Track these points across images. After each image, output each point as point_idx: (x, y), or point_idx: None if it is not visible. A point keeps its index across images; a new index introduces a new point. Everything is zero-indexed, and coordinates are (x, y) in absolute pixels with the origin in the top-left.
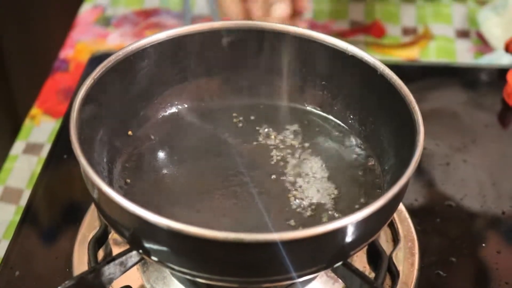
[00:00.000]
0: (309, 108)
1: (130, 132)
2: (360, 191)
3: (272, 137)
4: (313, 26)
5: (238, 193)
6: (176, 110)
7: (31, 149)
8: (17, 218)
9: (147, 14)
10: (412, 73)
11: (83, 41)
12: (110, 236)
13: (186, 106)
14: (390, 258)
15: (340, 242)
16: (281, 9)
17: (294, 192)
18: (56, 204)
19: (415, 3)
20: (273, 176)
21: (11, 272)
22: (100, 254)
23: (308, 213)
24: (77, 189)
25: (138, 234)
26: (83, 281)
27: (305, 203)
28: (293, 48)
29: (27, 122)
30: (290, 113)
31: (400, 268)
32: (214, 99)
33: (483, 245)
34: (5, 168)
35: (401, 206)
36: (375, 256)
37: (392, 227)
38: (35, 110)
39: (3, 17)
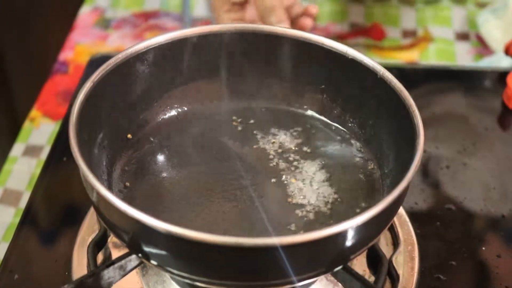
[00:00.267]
0: (308, 111)
1: (129, 135)
2: (360, 195)
3: (272, 140)
4: (312, 29)
5: (238, 197)
6: (176, 113)
7: (31, 151)
8: (17, 220)
9: (147, 16)
10: (412, 76)
11: (82, 43)
12: (109, 239)
13: (185, 109)
14: (390, 262)
15: (340, 246)
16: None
17: (294, 196)
18: (55, 207)
19: (415, 5)
20: (273, 180)
21: (10, 275)
22: (100, 257)
23: (308, 217)
24: (77, 191)
25: (137, 238)
26: (83, 285)
27: (305, 207)
28: (292, 51)
29: (26, 124)
30: (289, 117)
31: (400, 271)
32: (214, 102)
33: (483, 248)
34: (4, 170)
35: (401, 210)
36: (375, 260)
37: (392, 231)
38: (34, 112)
39: (2, 19)
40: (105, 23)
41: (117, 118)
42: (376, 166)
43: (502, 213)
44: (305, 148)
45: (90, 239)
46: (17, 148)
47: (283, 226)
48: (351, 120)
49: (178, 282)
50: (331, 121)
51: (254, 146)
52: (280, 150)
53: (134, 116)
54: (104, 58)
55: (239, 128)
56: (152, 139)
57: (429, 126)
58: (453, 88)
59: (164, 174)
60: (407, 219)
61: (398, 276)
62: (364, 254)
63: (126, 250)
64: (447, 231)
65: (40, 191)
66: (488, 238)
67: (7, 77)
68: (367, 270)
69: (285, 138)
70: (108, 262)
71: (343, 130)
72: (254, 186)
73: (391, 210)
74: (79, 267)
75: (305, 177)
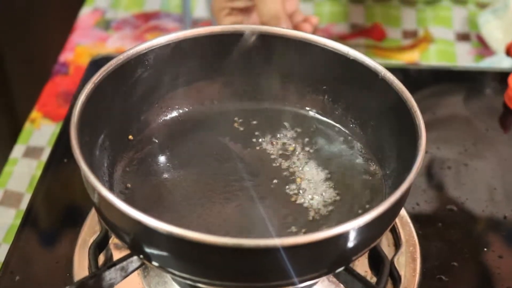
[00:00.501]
0: (310, 112)
1: (130, 137)
2: (361, 196)
3: (273, 141)
4: (314, 29)
5: (240, 198)
6: (177, 114)
7: (31, 152)
8: (17, 222)
9: (147, 17)
10: (413, 76)
11: (83, 45)
12: (110, 240)
13: (187, 110)
14: (392, 263)
15: (342, 248)
16: None
17: (296, 197)
18: (56, 208)
19: (415, 6)
20: (275, 181)
21: (11, 276)
22: (101, 258)
23: (310, 218)
24: (78, 193)
25: (138, 239)
26: (84, 286)
27: (307, 208)
28: (293, 52)
29: (27, 126)
30: (291, 118)
31: (402, 273)
32: (215, 103)
33: (485, 249)
34: (5, 171)
35: (403, 211)
36: (377, 261)
37: (394, 232)
38: (35, 114)
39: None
40: (105, 24)
41: (118, 119)
42: (377, 167)
43: (504, 214)
44: (306, 149)
45: (91, 241)
46: (18, 150)
47: (284, 227)
48: (352, 121)
49: (179, 283)
50: (332, 122)
51: (256, 147)
52: (281, 151)
53: (135, 117)
54: (105, 59)
55: (241, 129)
56: (153, 140)
57: (431, 127)
58: (454, 89)
59: (165, 175)
60: (409, 220)
61: (400, 277)
62: (366, 255)
63: (127, 252)
64: (449, 232)
65: (41, 193)
66: (490, 239)
67: (7, 78)
68: (369, 271)
69: (286, 139)
70: (110, 263)
71: (345, 131)
72: (255, 187)
73: (393, 211)
74: (80, 269)
75: (307, 178)
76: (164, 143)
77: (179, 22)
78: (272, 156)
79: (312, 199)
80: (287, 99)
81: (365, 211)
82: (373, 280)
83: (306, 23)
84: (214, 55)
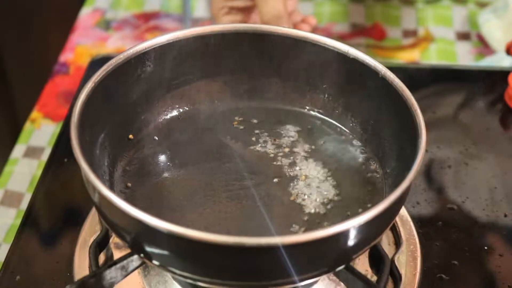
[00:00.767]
0: (310, 111)
1: (131, 136)
2: (362, 194)
3: (274, 140)
4: (313, 29)
5: (240, 196)
6: (177, 114)
7: (32, 152)
8: (18, 222)
9: (147, 17)
10: (413, 76)
11: (83, 45)
12: (111, 240)
13: (187, 109)
14: (392, 261)
15: (342, 246)
16: None
17: (296, 196)
18: (56, 208)
19: (415, 5)
20: (275, 180)
21: (11, 276)
22: (101, 258)
23: (310, 216)
24: (78, 192)
25: (139, 238)
26: (84, 285)
27: (307, 206)
28: (294, 51)
29: (27, 126)
30: (291, 117)
31: (402, 271)
32: (215, 102)
33: (486, 248)
34: (5, 171)
35: (403, 210)
36: (377, 259)
37: (394, 231)
38: (35, 114)
39: (3, 21)
40: (105, 24)
41: (118, 119)
42: (378, 166)
43: (504, 212)
44: (307, 148)
45: (91, 240)
46: (18, 150)
47: (285, 225)
48: (353, 119)
49: (180, 282)
50: (332, 120)
51: (256, 146)
52: (282, 150)
53: (136, 116)
54: (105, 59)
55: (241, 128)
56: (153, 140)
57: (431, 126)
58: (454, 88)
59: (166, 174)
60: (409, 219)
61: (400, 275)
62: (367, 253)
63: (128, 251)
64: (449, 230)
65: (41, 193)
66: (491, 238)
67: (7, 79)
68: (370, 270)
69: (287, 138)
70: (110, 262)
71: (345, 130)
72: (256, 186)
73: (393, 209)
74: (81, 268)
75: (307, 176)
76: (164, 142)
77: (179, 22)
78: (273, 155)
79: (312, 197)
80: (287, 98)
81: (366, 209)
82: (374, 278)
83: (305, 24)
84: (214, 54)
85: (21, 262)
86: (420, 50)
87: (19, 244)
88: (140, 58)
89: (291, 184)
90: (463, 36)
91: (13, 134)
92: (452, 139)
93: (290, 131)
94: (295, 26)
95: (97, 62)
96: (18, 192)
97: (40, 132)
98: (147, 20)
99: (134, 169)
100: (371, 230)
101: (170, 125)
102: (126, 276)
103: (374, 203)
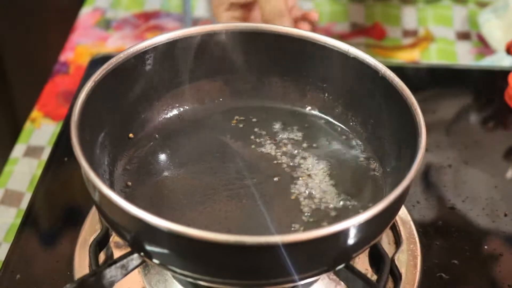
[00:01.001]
0: (310, 110)
1: (131, 135)
2: (362, 193)
3: (274, 139)
4: (314, 28)
5: (240, 195)
6: (177, 113)
7: (32, 152)
8: (18, 221)
9: (147, 16)
10: (413, 75)
11: (83, 44)
12: (111, 239)
13: (187, 108)
14: (392, 260)
15: (342, 245)
16: None
17: (296, 195)
18: (57, 207)
19: (415, 5)
20: (275, 179)
21: (12, 275)
22: (101, 257)
23: (310, 215)
24: (78, 192)
25: (139, 237)
26: (85, 284)
27: (307, 205)
28: (294, 50)
29: (27, 125)
30: (291, 116)
31: (402, 270)
32: (215, 101)
33: (486, 247)
34: (5, 171)
35: (403, 209)
36: (377, 258)
37: (394, 230)
38: (35, 113)
39: (3, 20)
40: (105, 24)
41: (118, 118)
42: (378, 165)
43: (504, 211)
44: (307, 147)
45: (92, 239)
46: (18, 149)
47: (285, 224)
48: (353, 118)
49: (180, 281)
50: (333, 119)
51: (256, 145)
52: (282, 149)
53: (136, 115)
54: (105, 58)
55: (241, 127)
56: (153, 139)
57: (431, 125)
58: (454, 87)
59: (166, 173)
60: (409, 218)
61: (400, 274)
62: (367, 252)
63: (128, 250)
64: (449, 230)
65: (41, 192)
66: (491, 237)
67: (7, 78)
68: (369, 269)
69: (287, 137)
70: (110, 261)
71: (345, 129)
72: (256, 185)
73: (393, 208)
74: (81, 267)
75: (307, 175)
76: (164, 141)
77: (180, 22)
78: (273, 154)
79: (312, 196)
80: (288, 97)
81: (366, 208)
82: (374, 278)
83: (305, 23)
84: (214, 53)
85: (21, 261)
86: (420, 49)
87: (19, 243)
88: (140, 57)
89: (291, 183)
90: (463, 36)
91: (13, 133)
92: (452, 138)
93: (290, 130)
94: (295, 22)
95: (97, 62)
96: (18, 191)
97: (40, 131)
98: (147, 20)
99: (134, 168)
100: (371, 229)
101: (170, 124)
102: (126, 275)
103: (374, 202)
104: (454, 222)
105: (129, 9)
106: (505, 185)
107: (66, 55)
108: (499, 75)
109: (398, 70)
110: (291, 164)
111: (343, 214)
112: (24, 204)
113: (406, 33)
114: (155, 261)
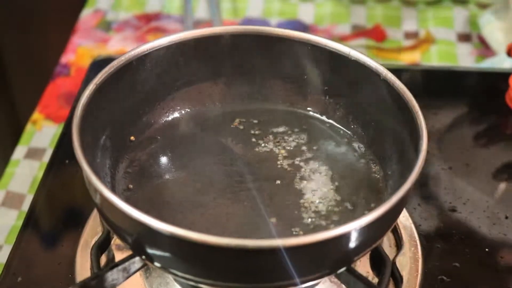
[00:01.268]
0: (311, 113)
1: (132, 138)
2: (363, 196)
3: (275, 142)
4: (314, 31)
5: (242, 198)
6: (179, 115)
7: (33, 154)
8: (19, 223)
9: (149, 18)
10: (414, 77)
11: (84, 46)
12: (112, 241)
13: (188, 111)
14: (393, 263)
15: (343, 248)
16: None
17: (298, 198)
18: (58, 209)
19: (416, 7)
20: (277, 182)
21: (13, 278)
22: (103, 259)
23: (312, 218)
24: (79, 194)
25: (141, 240)
26: (86, 287)
27: (309, 208)
28: (295, 53)
29: (28, 127)
30: (292, 118)
31: (403, 273)
32: (216, 104)
33: (487, 250)
34: (7, 173)
35: (404, 211)
36: (379, 261)
37: (395, 232)
38: (36, 115)
39: (4, 22)
40: (106, 26)
41: (120, 120)
42: (379, 168)
43: (505, 214)
44: (308, 150)
45: (93, 242)
46: (19, 151)
47: (287, 227)
48: (354, 121)
49: (181, 284)
50: (334, 122)
51: (258, 148)
52: (283, 152)
53: (137, 118)
54: (106, 61)
55: (243, 130)
56: (155, 141)
57: (432, 127)
58: (455, 89)
59: (167, 176)
60: (410, 221)
61: (401, 277)
62: (368, 255)
63: (129, 253)
64: (450, 232)
65: (42, 194)
66: (492, 240)
67: (8, 80)
68: (371, 272)
69: (288, 140)
70: (112, 264)
71: (346, 132)
72: (258, 188)
73: (394, 211)
74: (83, 270)
75: (309, 178)
76: (165, 144)
77: (181, 23)
78: (274, 157)
79: (314, 199)
80: (289, 100)
81: (367, 211)
82: (375, 280)
83: None
84: (216, 56)
85: (22, 264)
86: (421, 51)
87: (20, 245)
88: (142, 60)
89: (293, 186)
90: (464, 38)
91: (15, 135)
92: (453, 140)
93: (292, 133)
94: None
95: (98, 64)
96: (20, 193)
97: (42, 133)
98: (148, 21)
99: (136, 170)
100: (372, 233)
101: (172, 127)
102: (127, 278)
103: (376, 205)
104: (455, 224)
105: (130, 11)
106: (506, 187)
107: (67, 57)
108: (500, 77)
109: (399, 72)
110: (293, 166)
111: (344, 217)
112: (26, 206)
113: (407, 35)
114: (157, 264)
